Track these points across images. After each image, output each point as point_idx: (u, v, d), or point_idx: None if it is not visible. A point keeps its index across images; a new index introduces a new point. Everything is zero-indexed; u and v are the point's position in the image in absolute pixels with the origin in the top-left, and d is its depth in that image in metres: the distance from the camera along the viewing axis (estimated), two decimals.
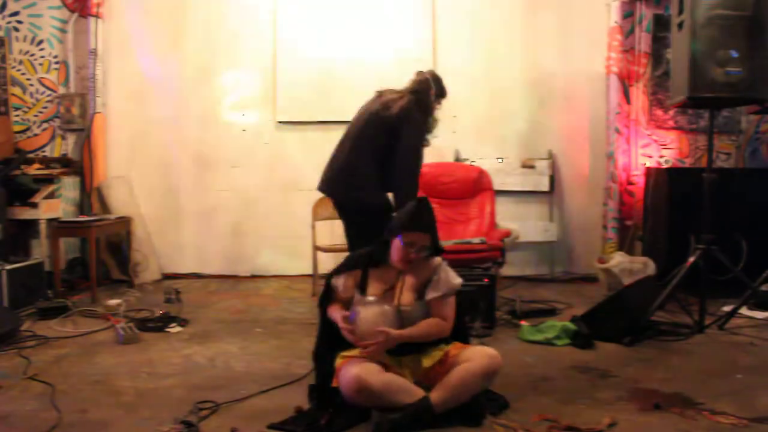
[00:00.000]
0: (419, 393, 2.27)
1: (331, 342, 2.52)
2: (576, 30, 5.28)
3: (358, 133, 3.21)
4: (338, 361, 2.41)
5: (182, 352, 3.23)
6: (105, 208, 5.09)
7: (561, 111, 5.33)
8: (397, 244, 2.43)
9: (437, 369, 2.38)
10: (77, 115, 5.20)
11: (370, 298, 2.44)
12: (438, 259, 2.54)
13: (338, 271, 2.57)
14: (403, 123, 3.10)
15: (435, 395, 2.24)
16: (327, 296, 2.58)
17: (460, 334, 2.58)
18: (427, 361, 2.41)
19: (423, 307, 2.46)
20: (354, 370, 2.25)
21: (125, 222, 4.92)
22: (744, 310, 3.88)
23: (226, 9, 5.28)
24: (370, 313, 2.38)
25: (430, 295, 2.46)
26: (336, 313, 2.47)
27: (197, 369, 2.97)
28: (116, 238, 5.09)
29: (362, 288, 2.49)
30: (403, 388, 2.28)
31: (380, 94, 3.33)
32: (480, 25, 5.30)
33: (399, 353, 2.40)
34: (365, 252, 2.56)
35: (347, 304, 2.50)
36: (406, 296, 2.46)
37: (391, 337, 2.32)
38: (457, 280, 2.51)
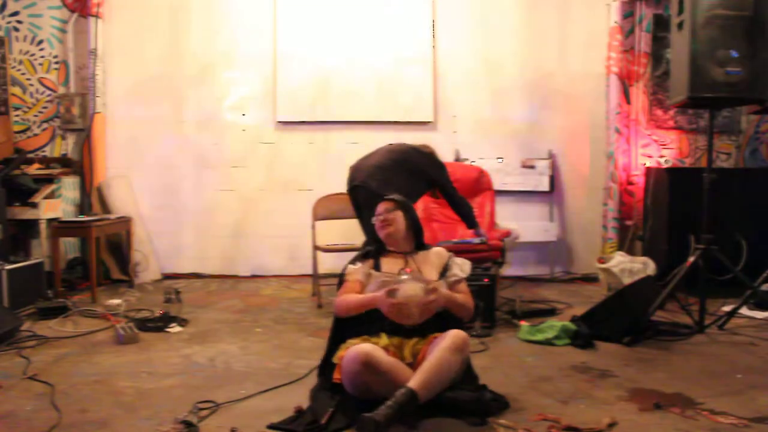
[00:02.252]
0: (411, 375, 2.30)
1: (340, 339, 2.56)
2: (576, 30, 5.29)
3: (396, 149, 3.81)
4: (340, 353, 2.44)
5: (182, 352, 3.22)
6: (105, 208, 5.09)
7: (561, 111, 5.34)
8: (375, 223, 2.71)
9: (424, 350, 2.42)
10: (77, 115, 5.20)
11: (404, 276, 2.52)
12: (445, 250, 2.75)
13: (352, 262, 2.73)
14: (433, 165, 3.83)
15: (414, 382, 2.20)
16: (339, 285, 2.70)
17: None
18: (424, 346, 2.44)
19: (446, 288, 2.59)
20: (362, 347, 2.29)
21: (125, 222, 4.92)
22: (744, 310, 3.88)
23: (226, 9, 5.28)
24: (410, 286, 2.44)
25: (453, 276, 2.63)
26: (364, 297, 2.53)
27: (197, 369, 2.97)
28: (116, 238, 5.10)
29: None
30: (403, 370, 2.30)
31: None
32: (480, 25, 5.30)
33: (405, 335, 2.45)
34: (373, 246, 2.77)
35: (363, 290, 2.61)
36: (428, 276, 2.59)
37: (442, 295, 2.45)
38: (467, 266, 2.73)
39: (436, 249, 2.78)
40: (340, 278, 2.71)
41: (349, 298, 2.57)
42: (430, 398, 2.22)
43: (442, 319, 2.51)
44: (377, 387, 2.25)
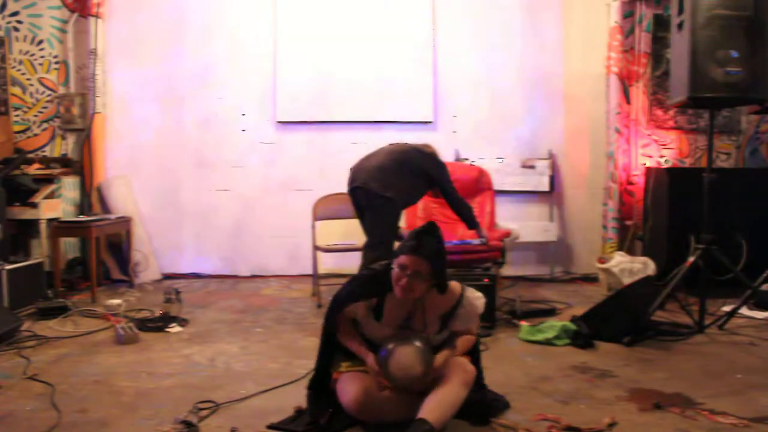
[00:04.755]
0: (415, 406, 2.18)
1: (329, 358, 2.46)
2: (576, 30, 5.29)
3: (397, 149, 3.79)
4: (335, 374, 2.37)
5: (182, 352, 3.23)
6: (105, 208, 5.09)
7: (561, 111, 5.34)
8: (394, 268, 2.26)
9: None
10: (77, 115, 5.20)
11: (403, 344, 2.22)
12: (458, 287, 2.38)
13: (354, 295, 2.38)
14: (435, 165, 3.80)
15: (431, 415, 2.10)
16: (336, 310, 2.40)
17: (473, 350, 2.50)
18: None
19: (448, 334, 2.38)
20: (354, 389, 2.21)
21: (125, 222, 4.92)
22: (744, 310, 3.88)
23: (227, 8, 5.27)
24: (405, 353, 2.20)
25: (458, 327, 2.38)
26: (360, 348, 2.34)
27: (197, 369, 2.97)
28: (116, 238, 5.09)
29: (377, 313, 2.34)
30: (402, 402, 2.24)
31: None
32: (480, 25, 5.30)
33: None
34: (382, 271, 2.35)
35: (357, 326, 2.40)
36: (431, 326, 2.34)
37: (439, 368, 2.24)
38: (481, 302, 2.44)
39: (450, 287, 2.36)
40: (337, 301, 2.41)
41: (347, 340, 2.39)
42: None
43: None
44: (376, 420, 2.24)
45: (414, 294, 2.24)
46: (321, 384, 2.43)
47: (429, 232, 2.27)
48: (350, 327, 2.41)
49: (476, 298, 2.44)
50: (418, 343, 2.22)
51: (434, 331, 2.34)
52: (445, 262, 2.30)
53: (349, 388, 2.24)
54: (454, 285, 2.39)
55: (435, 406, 2.14)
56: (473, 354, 2.47)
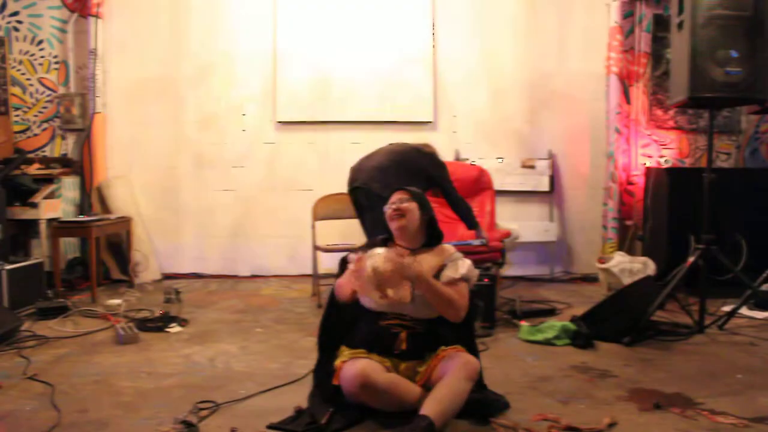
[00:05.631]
0: (418, 392, 2.25)
1: (333, 333, 2.52)
2: (576, 30, 5.29)
3: (396, 148, 3.82)
4: (338, 362, 2.39)
5: (182, 352, 3.22)
6: (105, 208, 5.09)
7: (561, 111, 5.34)
8: (387, 211, 2.54)
9: (425, 370, 2.34)
10: (77, 115, 5.20)
11: (379, 251, 2.31)
12: (452, 248, 2.55)
13: (355, 251, 2.51)
14: (435, 165, 3.82)
15: (432, 411, 2.10)
16: (341, 272, 2.54)
17: (467, 337, 2.51)
18: (422, 368, 2.36)
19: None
20: (358, 366, 2.22)
21: (125, 222, 4.92)
22: (744, 310, 3.88)
23: (226, 8, 5.28)
24: (384, 252, 2.27)
25: (448, 273, 2.42)
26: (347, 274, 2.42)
27: (197, 369, 2.97)
28: (116, 238, 5.09)
29: None
30: (405, 387, 2.26)
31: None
32: (480, 25, 5.30)
33: (399, 358, 2.37)
34: (379, 238, 2.59)
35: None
36: (424, 268, 2.39)
37: (415, 268, 2.26)
38: (475, 271, 2.52)
39: (444, 246, 2.56)
40: (342, 263, 2.57)
41: (343, 284, 2.46)
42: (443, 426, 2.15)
43: (434, 339, 2.39)
44: (377, 404, 2.24)
45: (407, 222, 2.48)
46: (325, 379, 2.44)
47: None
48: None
49: (471, 266, 2.51)
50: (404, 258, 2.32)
51: (427, 270, 2.39)
52: (432, 210, 2.57)
53: (350, 369, 2.24)
54: (448, 246, 2.56)
55: (437, 402, 2.14)
56: (473, 352, 2.46)
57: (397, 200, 2.52)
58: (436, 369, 2.28)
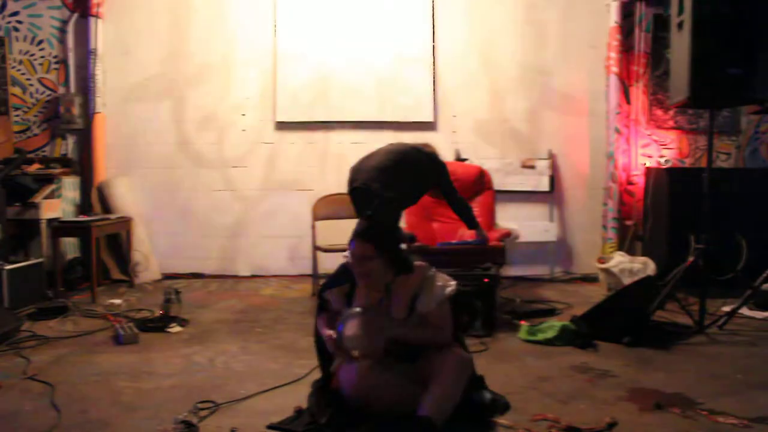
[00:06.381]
0: (414, 391, 2.22)
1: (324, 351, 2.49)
2: (576, 30, 5.28)
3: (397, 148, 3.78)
4: (335, 366, 2.38)
5: (182, 352, 3.22)
6: (105, 208, 5.09)
7: (561, 111, 5.34)
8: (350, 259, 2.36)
9: (419, 368, 2.32)
10: (77, 115, 5.20)
11: (357, 310, 2.31)
12: (425, 268, 2.40)
13: (328, 285, 2.51)
14: (435, 165, 3.80)
15: (429, 410, 2.11)
16: (320, 308, 2.53)
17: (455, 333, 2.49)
18: (415, 367, 2.33)
19: (417, 320, 2.34)
20: (355, 368, 2.23)
21: (125, 222, 4.92)
22: (744, 310, 3.88)
23: (226, 8, 5.28)
24: (355, 324, 2.27)
25: (421, 309, 2.33)
26: (323, 328, 2.40)
27: (197, 369, 2.97)
28: (116, 238, 5.09)
29: (349, 300, 2.40)
30: (402, 386, 2.26)
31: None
32: (480, 25, 5.30)
33: (394, 358, 2.34)
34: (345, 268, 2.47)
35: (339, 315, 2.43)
36: (398, 309, 2.34)
37: (386, 338, 2.24)
38: (448, 289, 2.36)
39: (418, 268, 2.39)
40: (320, 298, 2.53)
41: (319, 325, 2.47)
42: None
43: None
44: (375, 404, 2.24)
45: (373, 279, 2.32)
46: (325, 383, 2.45)
47: (369, 218, 2.43)
48: (328, 315, 2.46)
49: (444, 280, 2.37)
50: (366, 315, 2.27)
51: (401, 316, 2.32)
52: (395, 239, 2.39)
53: (346, 371, 2.25)
54: (422, 266, 2.41)
55: (433, 401, 2.14)
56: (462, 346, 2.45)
57: (359, 256, 2.31)
58: (430, 366, 2.27)
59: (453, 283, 2.39)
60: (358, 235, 2.35)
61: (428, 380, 2.22)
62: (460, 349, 2.37)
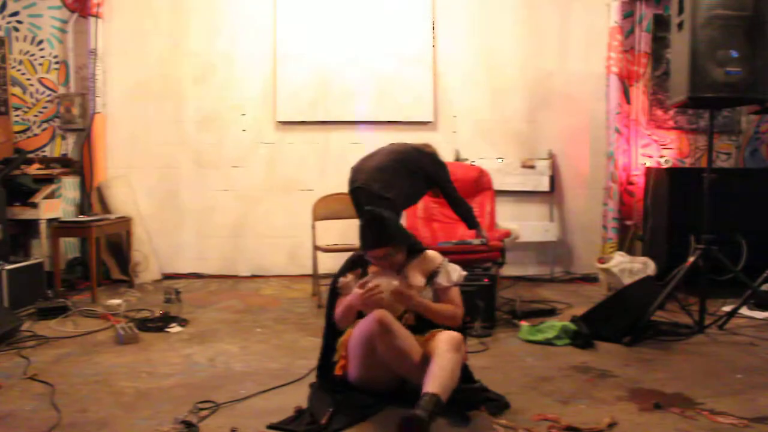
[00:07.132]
0: (421, 353, 2.32)
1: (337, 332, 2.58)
2: (576, 30, 5.29)
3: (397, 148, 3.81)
4: (343, 337, 2.49)
5: (182, 352, 3.23)
6: (105, 208, 5.09)
7: (561, 111, 5.34)
8: (373, 262, 2.57)
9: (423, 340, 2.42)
10: (77, 115, 5.20)
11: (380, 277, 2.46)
12: (439, 255, 2.64)
13: (341, 272, 2.64)
14: (435, 165, 3.81)
15: (434, 387, 2.16)
16: (333, 297, 2.62)
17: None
18: (421, 340, 2.44)
19: (432, 294, 2.54)
20: (378, 312, 2.30)
21: (125, 222, 4.92)
22: (744, 310, 3.88)
23: (226, 9, 5.27)
24: (382, 279, 2.41)
25: (440, 282, 2.54)
26: (346, 299, 2.50)
27: (197, 369, 2.97)
28: (116, 238, 5.10)
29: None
30: (414, 348, 2.33)
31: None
32: (480, 25, 5.30)
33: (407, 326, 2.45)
34: (363, 253, 2.62)
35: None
36: (417, 284, 2.52)
37: (410, 295, 2.38)
38: (463, 273, 2.61)
39: (430, 253, 2.66)
40: (332, 290, 2.64)
41: (340, 304, 2.54)
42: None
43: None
44: (387, 354, 2.28)
45: (399, 264, 2.54)
46: (324, 377, 2.52)
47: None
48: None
49: (458, 269, 2.61)
50: (395, 282, 2.43)
51: (420, 289, 2.51)
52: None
53: (370, 316, 2.32)
54: (434, 254, 2.65)
55: (435, 378, 2.20)
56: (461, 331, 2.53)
57: (381, 257, 2.52)
58: (430, 343, 2.36)
59: (464, 273, 2.62)
60: (377, 244, 2.50)
61: (429, 357, 2.30)
62: (451, 331, 2.41)
